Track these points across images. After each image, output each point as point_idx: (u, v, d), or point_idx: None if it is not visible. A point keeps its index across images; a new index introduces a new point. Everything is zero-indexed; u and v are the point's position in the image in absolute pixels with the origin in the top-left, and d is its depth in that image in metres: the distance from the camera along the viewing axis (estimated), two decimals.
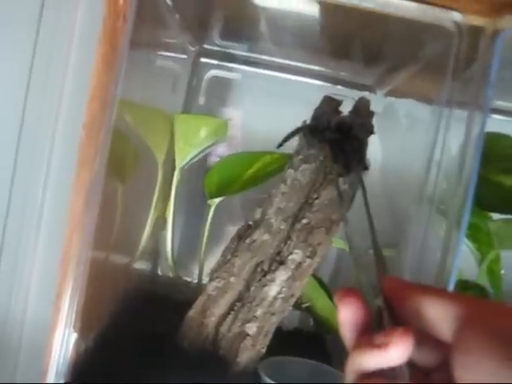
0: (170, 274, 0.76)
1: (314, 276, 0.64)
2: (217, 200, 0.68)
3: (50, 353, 0.45)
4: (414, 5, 0.45)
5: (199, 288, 0.67)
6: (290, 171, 0.59)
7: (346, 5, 0.47)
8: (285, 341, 0.61)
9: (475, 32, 0.45)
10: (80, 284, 0.47)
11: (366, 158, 0.58)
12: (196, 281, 0.72)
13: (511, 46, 0.43)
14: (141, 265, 0.75)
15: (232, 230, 0.62)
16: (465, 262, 0.64)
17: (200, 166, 0.72)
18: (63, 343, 0.46)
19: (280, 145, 0.59)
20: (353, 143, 0.57)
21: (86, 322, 0.49)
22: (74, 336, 0.46)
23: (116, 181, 0.60)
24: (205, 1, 0.60)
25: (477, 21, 0.45)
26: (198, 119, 0.67)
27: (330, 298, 0.65)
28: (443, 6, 0.45)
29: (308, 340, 0.69)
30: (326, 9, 0.54)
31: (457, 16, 0.45)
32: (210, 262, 0.62)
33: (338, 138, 0.57)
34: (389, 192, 0.68)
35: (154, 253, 0.79)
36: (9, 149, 0.46)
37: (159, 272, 0.81)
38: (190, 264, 0.76)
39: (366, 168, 0.57)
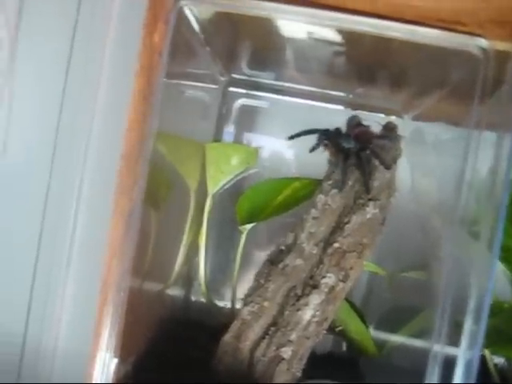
0: (203, 300, 0.77)
1: (347, 300, 0.64)
2: (248, 226, 0.69)
3: (91, 379, 0.46)
4: (439, 32, 0.46)
5: (232, 313, 0.68)
6: (321, 196, 0.60)
7: (372, 34, 0.48)
8: (319, 365, 0.61)
9: (501, 56, 0.46)
10: (120, 310, 0.48)
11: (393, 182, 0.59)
12: (229, 306, 0.73)
13: None
14: (174, 291, 0.77)
15: (263, 255, 0.63)
16: (498, 283, 0.64)
17: (232, 193, 0.73)
18: (104, 369, 0.47)
19: (292, 137, 0.60)
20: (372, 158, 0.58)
21: (124, 348, 0.50)
22: (115, 361, 0.47)
23: (150, 209, 0.61)
24: (233, 33, 0.62)
25: (501, 45, 0.46)
26: (229, 147, 0.69)
27: (363, 321, 0.66)
28: (467, 33, 0.46)
29: (341, 363, 0.69)
30: (351, 37, 0.56)
31: (482, 41, 0.46)
32: (243, 287, 0.63)
33: (355, 148, 0.58)
34: (420, 215, 0.68)
35: (187, 279, 0.80)
36: (41, 178, 0.48)
37: (192, 298, 0.82)
38: (222, 289, 0.77)
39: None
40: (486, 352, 0.60)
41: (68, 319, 0.47)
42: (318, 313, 0.56)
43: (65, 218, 0.47)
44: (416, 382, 0.48)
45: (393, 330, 0.68)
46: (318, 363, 0.61)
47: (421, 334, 0.54)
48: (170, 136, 0.63)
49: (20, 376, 0.47)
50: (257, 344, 0.57)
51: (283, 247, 0.61)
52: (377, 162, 0.60)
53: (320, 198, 0.60)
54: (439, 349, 0.46)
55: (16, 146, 0.48)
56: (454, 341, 0.45)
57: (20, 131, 0.48)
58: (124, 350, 0.51)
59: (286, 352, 0.55)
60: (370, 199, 0.59)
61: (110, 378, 0.47)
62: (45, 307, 0.48)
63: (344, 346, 0.73)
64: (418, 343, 0.60)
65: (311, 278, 0.57)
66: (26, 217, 0.48)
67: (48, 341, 0.48)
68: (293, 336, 0.55)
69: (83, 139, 0.47)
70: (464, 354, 0.43)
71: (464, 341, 0.44)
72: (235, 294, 0.71)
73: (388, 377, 0.62)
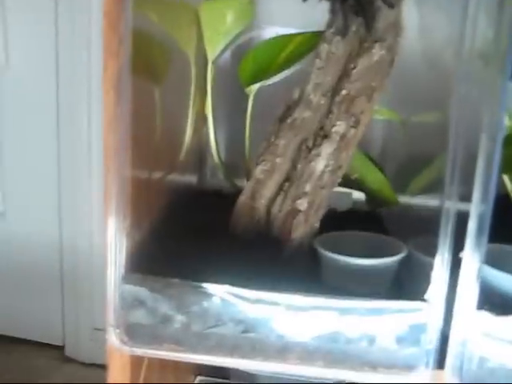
0: (219, 174, 0.75)
1: (363, 153, 0.63)
2: (254, 87, 0.66)
3: (107, 244, 0.46)
4: None
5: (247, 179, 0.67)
6: (324, 45, 0.58)
7: None
8: (339, 221, 0.60)
9: None
10: (124, 181, 0.47)
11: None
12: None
13: None
14: (187, 166, 0.75)
15: (273, 117, 0.61)
16: None
17: (233, 59, 0.70)
18: (116, 235, 0.46)
19: None
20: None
21: (136, 218, 0.49)
22: (127, 223, 0.47)
23: (151, 84, 0.59)
24: None
25: None
26: (222, 4, 0.65)
27: (381, 170, 0.64)
28: None
29: (363, 217, 0.68)
30: None
31: None
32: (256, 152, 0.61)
33: None
34: (429, 56, 0.65)
35: (198, 153, 0.79)
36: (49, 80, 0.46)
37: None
38: (236, 159, 0.75)
39: None
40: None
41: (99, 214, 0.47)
42: (331, 162, 0.55)
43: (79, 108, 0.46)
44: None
45: (409, 181, 0.66)
46: (339, 219, 0.60)
47: (437, 182, 0.52)
48: (160, 1, 0.60)
49: (62, 274, 0.48)
50: (272, 201, 0.56)
51: (290, 103, 0.59)
52: (379, 2, 0.56)
53: (323, 47, 0.57)
54: (452, 201, 0.45)
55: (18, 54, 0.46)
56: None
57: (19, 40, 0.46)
58: (137, 221, 0.50)
59: (302, 204, 0.54)
60: (375, 41, 0.56)
61: (124, 245, 0.46)
62: (74, 206, 0.48)
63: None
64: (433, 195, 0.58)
65: (321, 128, 0.56)
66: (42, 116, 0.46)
67: (83, 237, 0.48)
68: (307, 187, 0.54)
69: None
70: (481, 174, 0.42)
71: (480, 163, 0.42)
72: (249, 158, 0.69)
73: (408, 227, 0.61)
